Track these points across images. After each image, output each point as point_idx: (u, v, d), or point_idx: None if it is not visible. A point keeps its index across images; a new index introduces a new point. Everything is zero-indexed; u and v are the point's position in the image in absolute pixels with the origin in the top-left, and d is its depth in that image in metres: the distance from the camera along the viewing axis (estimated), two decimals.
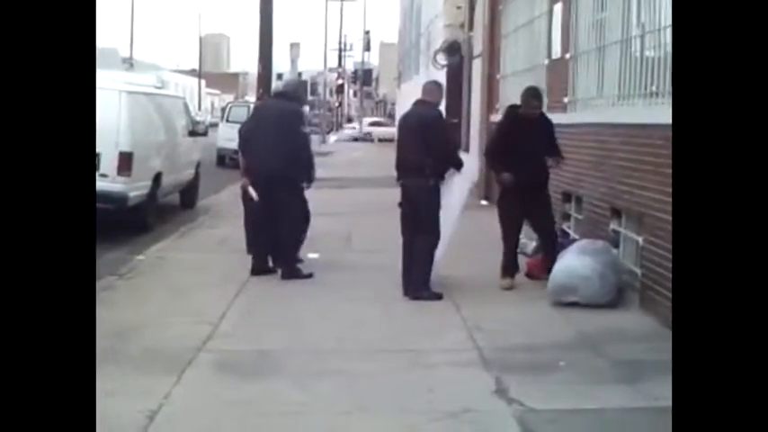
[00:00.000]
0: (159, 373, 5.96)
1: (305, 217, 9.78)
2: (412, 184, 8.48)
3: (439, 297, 8.38)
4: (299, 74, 56.58)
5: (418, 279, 8.45)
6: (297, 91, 10.21)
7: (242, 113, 24.81)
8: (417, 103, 8.79)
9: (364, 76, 71.29)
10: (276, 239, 9.47)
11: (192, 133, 16.87)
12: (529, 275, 9.30)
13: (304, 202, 9.68)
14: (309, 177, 9.66)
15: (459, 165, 8.73)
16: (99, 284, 9.02)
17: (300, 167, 9.46)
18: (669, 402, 3.43)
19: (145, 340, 6.89)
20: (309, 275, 9.42)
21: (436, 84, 9.08)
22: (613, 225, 9.21)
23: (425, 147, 8.37)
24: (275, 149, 9.24)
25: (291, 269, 9.40)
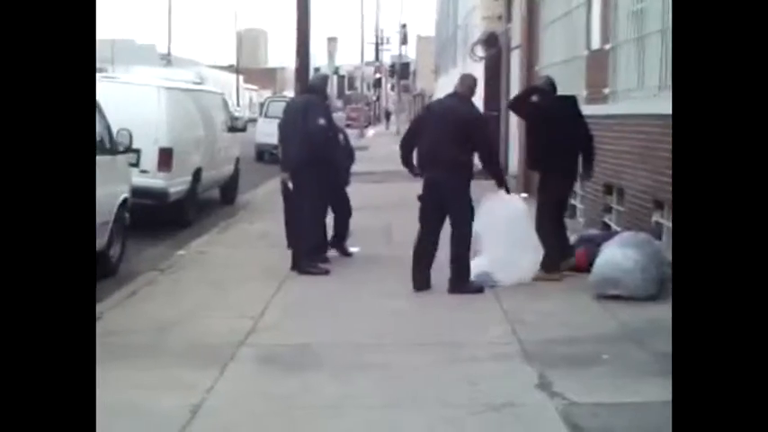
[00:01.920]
0: (202, 368, 5.99)
1: (323, 210, 9.74)
2: (446, 180, 8.30)
3: (480, 290, 8.34)
4: (337, 68, 56.86)
5: (459, 275, 8.36)
6: (317, 84, 10.36)
7: (280, 109, 24.78)
8: (453, 96, 8.72)
9: (401, 70, 71.09)
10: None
11: (231, 129, 16.95)
12: (570, 268, 9.21)
13: (322, 195, 9.57)
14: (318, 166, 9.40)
15: (499, 174, 8.77)
16: (141, 280, 9.13)
17: (318, 158, 9.36)
18: None
19: (187, 335, 6.93)
20: (326, 272, 9.37)
21: (474, 78, 9.06)
22: (656, 217, 9.13)
23: (467, 145, 8.30)
24: (294, 141, 9.44)
25: (302, 263, 9.36)
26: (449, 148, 8.26)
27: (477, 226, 8.47)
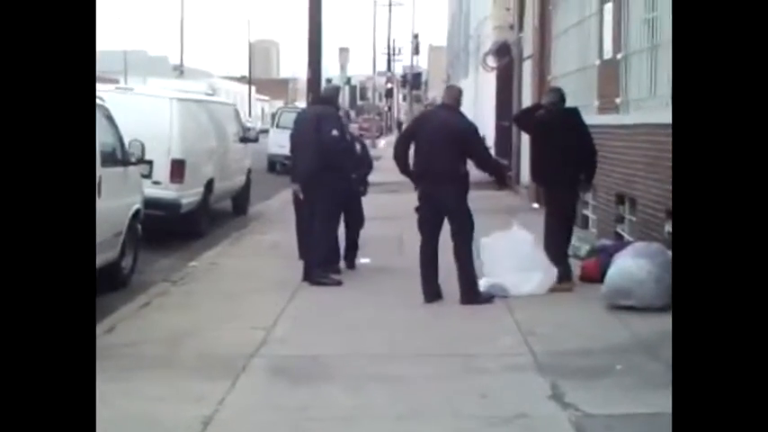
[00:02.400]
0: (213, 379, 5.98)
1: (336, 221, 9.80)
2: (446, 191, 8.34)
3: (490, 300, 8.35)
4: (349, 79, 56.95)
5: (468, 283, 8.39)
6: (330, 95, 10.37)
7: (292, 119, 24.84)
8: (443, 108, 8.88)
9: (413, 80, 71.17)
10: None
11: (243, 140, 16.98)
12: (583, 278, 9.21)
13: (336, 205, 9.62)
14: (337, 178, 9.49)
15: (499, 170, 9.24)
16: (153, 291, 9.14)
17: (331, 169, 9.39)
18: None
19: (199, 346, 6.93)
20: (338, 283, 9.36)
21: (459, 89, 9.27)
22: (668, 227, 9.08)
23: (462, 156, 8.42)
24: (307, 152, 9.44)
25: (314, 274, 9.35)
26: (444, 160, 8.32)
27: (483, 269, 8.74)
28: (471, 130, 8.77)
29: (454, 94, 8.90)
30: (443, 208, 8.42)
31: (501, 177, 9.13)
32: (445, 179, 8.32)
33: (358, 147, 10.70)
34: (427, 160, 8.46)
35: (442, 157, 8.32)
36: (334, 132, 9.41)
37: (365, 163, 10.77)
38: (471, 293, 8.34)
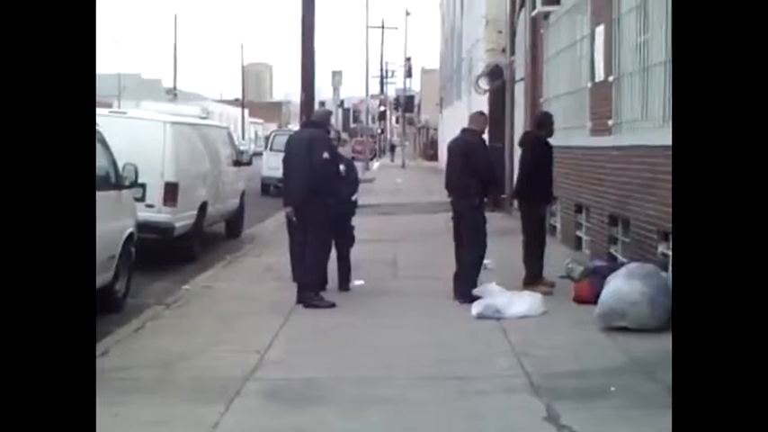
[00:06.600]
0: (207, 403, 5.96)
1: (328, 244, 9.84)
2: (457, 201, 9.68)
3: (477, 298, 8.95)
4: (342, 101, 57.09)
5: (465, 287, 9.35)
6: (322, 119, 10.42)
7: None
8: (464, 131, 9.99)
9: (406, 103, 71.35)
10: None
11: (237, 163, 16.99)
12: (577, 300, 9.22)
13: (328, 228, 9.66)
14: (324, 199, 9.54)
15: (498, 189, 10.24)
16: (146, 314, 9.11)
17: (322, 192, 9.43)
18: None
19: (193, 370, 6.91)
20: (332, 305, 9.33)
21: (481, 113, 10.45)
22: (662, 248, 9.10)
23: (470, 170, 9.51)
24: (299, 175, 9.49)
25: (307, 296, 9.36)
26: (457, 175, 9.64)
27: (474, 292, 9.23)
28: (475, 145, 9.81)
29: (471, 117, 10.25)
30: (458, 216, 9.68)
31: (494, 197, 9.85)
32: (458, 191, 9.67)
33: (342, 167, 10.64)
34: (447, 175, 10.00)
35: (455, 171, 9.74)
36: (326, 155, 9.46)
37: (349, 182, 10.73)
38: (465, 295, 9.20)
